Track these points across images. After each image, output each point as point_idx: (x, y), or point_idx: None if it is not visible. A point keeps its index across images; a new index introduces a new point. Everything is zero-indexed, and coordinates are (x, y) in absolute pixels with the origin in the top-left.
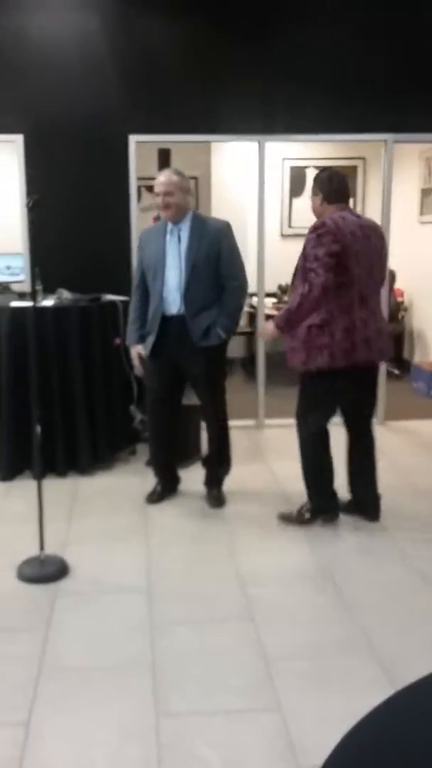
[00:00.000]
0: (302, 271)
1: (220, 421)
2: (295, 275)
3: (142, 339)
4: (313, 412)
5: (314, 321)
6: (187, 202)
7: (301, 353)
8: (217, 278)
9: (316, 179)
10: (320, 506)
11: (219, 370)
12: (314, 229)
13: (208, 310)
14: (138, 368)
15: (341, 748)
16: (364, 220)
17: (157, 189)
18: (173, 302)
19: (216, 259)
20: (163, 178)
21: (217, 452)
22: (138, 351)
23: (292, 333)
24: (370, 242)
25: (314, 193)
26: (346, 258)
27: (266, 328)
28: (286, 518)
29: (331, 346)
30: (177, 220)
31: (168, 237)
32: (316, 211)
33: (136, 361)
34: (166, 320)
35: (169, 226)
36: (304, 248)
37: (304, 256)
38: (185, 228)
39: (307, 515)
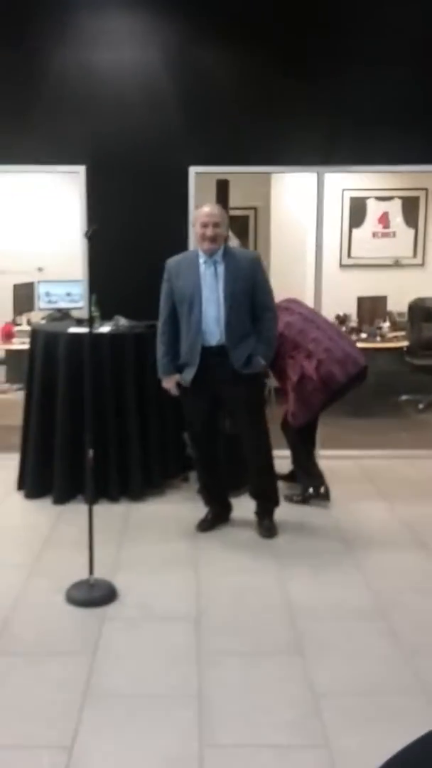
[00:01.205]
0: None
1: (263, 452)
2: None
3: (177, 369)
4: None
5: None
6: (226, 235)
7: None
8: (253, 308)
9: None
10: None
11: (259, 397)
12: None
13: (247, 339)
14: (176, 394)
15: None
16: (289, 304)
17: (204, 220)
18: (212, 333)
19: (252, 289)
20: (210, 210)
21: (262, 485)
22: (176, 380)
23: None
24: (294, 312)
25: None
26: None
27: None
28: (289, 498)
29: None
30: (212, 252)
31: (203, 269)
32: None
33: (174, 391)
34: (205, 351)
35: (203, 257)
36: None
37: None
38: (220, 260)
39: (303, 496)
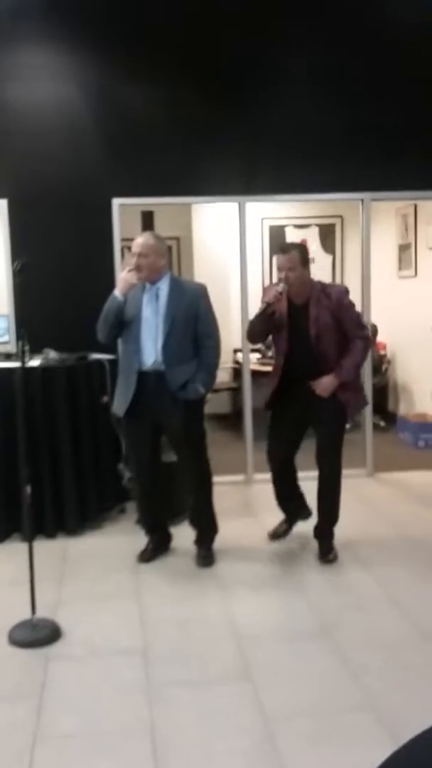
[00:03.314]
0: (338, 328)
1: (201, 479)
2: (318, 335)
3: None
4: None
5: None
6: (161, 265)
7: (357, 397)
8: (194, 336)
9: (301, 253)
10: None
11: (198, 424)
12: (346, 292)
13: (186, 364)
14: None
15: None
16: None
17: (133, 249)
18: (148, 355)
19: (194, 318)
20: (140, 240)
21: (200, 513)
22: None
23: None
24: None
25: (303, 265)
26: None
27: (325, 384)
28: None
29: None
30: (153, 280)
31: (146, 295)
32: (306, 281)
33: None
34: (142, 376)
35: (147, 285)
36: (339, 309)
37: (339, 317)
38: (164, 287)
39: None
